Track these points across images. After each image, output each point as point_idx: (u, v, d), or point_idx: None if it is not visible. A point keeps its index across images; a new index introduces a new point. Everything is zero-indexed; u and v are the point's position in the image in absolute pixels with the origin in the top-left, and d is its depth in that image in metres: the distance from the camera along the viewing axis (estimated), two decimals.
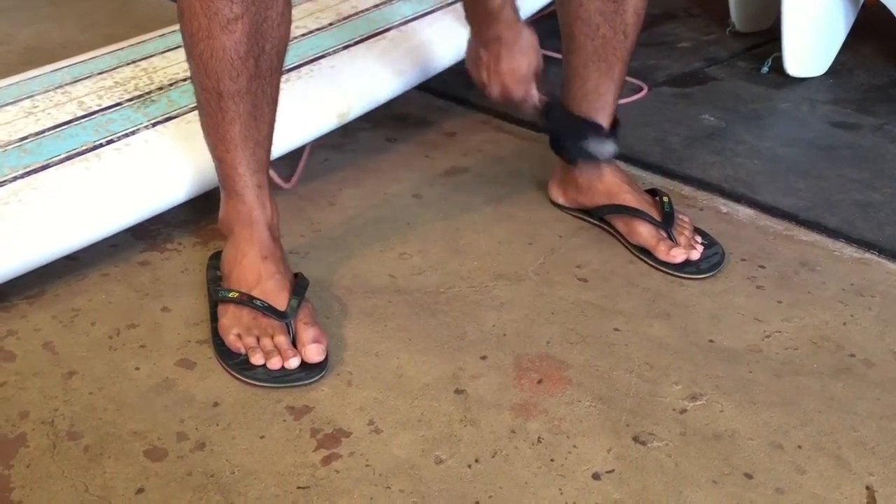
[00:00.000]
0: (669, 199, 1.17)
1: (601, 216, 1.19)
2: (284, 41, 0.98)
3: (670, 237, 1.13)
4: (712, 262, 1.13)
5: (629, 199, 1.16)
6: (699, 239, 1.15)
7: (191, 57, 0.96)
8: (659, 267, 1.12)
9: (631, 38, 1.13)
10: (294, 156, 1.31)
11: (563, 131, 1.20)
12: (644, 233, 1.14)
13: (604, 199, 1.18)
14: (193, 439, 0.87)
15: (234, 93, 0.96)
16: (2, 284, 1.04)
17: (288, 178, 1.31)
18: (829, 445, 0.87)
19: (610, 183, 1.18)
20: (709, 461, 0.85)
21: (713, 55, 1.78)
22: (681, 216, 1.17)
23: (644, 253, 1.14)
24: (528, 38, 1.10)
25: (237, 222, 1.03)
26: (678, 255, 1.11)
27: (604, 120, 1.17)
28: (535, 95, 1.14)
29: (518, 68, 1.11)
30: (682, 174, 1.35)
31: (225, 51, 0.93)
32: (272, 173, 1.26)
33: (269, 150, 1.04)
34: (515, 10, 1.09)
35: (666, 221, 1.14)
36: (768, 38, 1.78)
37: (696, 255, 1.12)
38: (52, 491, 0.81)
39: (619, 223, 1.17)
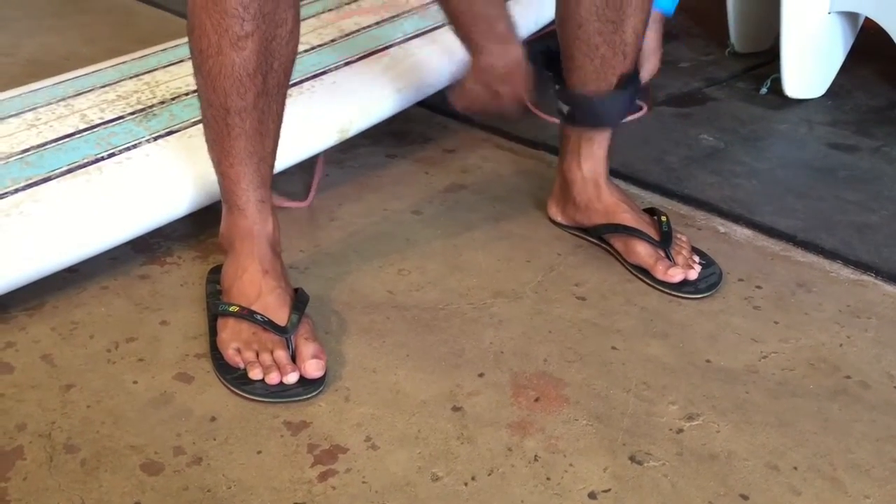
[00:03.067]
0: (668, 218, 1.18)
1: (599, 235, 1.20)
2: (292, 58, 0.99)
3: (668, 257, 1.13)
4: (710, 281, 1.13)
5: (627, 218, 1.17)
6: (697, 258, 1.15)
7: (199, 73, 0.96)
8: (657, 286, 1.12)
9: (630, 58, 1.13)
10: (294, 171, 1.31)
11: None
12: (642, 252, 1.14)
13: (602, 217, 1.18)
14: (190, 454, 0.87)
15: (240, 109, 0.96)
16: (1, 296, 1.04)
17: (302, 198, 1.31)
18: (824, 467, 0.87)
19: (608, 202, 1.19)
20: (705, 482, 0.85)
21: (712, 75, 1.79)
22: (679, 236, 1.17)
23: (642, 272, 1.14)
24: (514, 54, 1.09)
25: (238, 237, 1.03)
26: (676, 275, 1.11)
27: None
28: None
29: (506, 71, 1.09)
30: (680, 194, 1.35)
31: (234, 67, 0.93)
32: (281, 199, 1.26)
33: (272, 166, 1.04)
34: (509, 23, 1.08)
35: (664, 241, 1.14)
36: (767, 59, 1.79)
37: (693, 274, 1.13)
38: None
39: (618, 242, 1.17)
